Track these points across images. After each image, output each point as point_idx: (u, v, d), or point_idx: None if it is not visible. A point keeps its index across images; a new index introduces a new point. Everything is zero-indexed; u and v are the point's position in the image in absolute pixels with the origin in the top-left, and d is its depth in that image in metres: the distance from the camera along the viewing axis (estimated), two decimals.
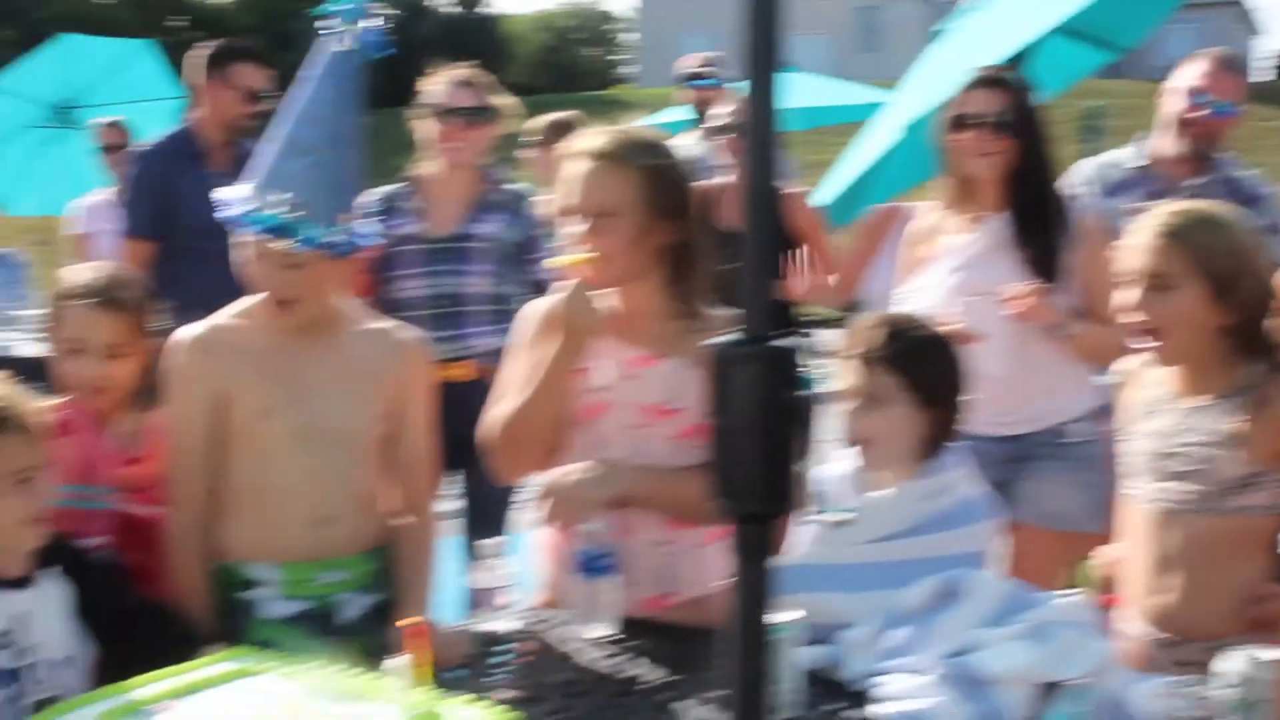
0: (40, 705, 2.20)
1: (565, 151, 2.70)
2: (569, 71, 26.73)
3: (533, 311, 2.84)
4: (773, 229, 1.51)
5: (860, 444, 2.62)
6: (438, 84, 4.35)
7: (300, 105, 2.64)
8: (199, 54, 4.92)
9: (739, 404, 1.47)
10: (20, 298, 8.91)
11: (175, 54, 11.50)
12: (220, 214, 2.64)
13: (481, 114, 4.34)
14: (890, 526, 2.55)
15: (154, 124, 7.17)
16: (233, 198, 2.63)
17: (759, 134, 1.48)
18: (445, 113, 4.30)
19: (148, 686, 2.03)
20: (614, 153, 2.64)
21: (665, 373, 2.70)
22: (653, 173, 2.64)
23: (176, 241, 4.65)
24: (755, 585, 1.53)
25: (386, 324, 2.94)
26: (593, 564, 2.62)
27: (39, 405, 2.35)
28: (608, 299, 2.68)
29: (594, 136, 2.68)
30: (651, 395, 2.70)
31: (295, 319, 2.71)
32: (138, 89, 10.65)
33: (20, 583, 2.29)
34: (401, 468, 2.88)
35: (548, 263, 2.74)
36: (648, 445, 2.70)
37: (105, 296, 2.76)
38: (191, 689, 2.02)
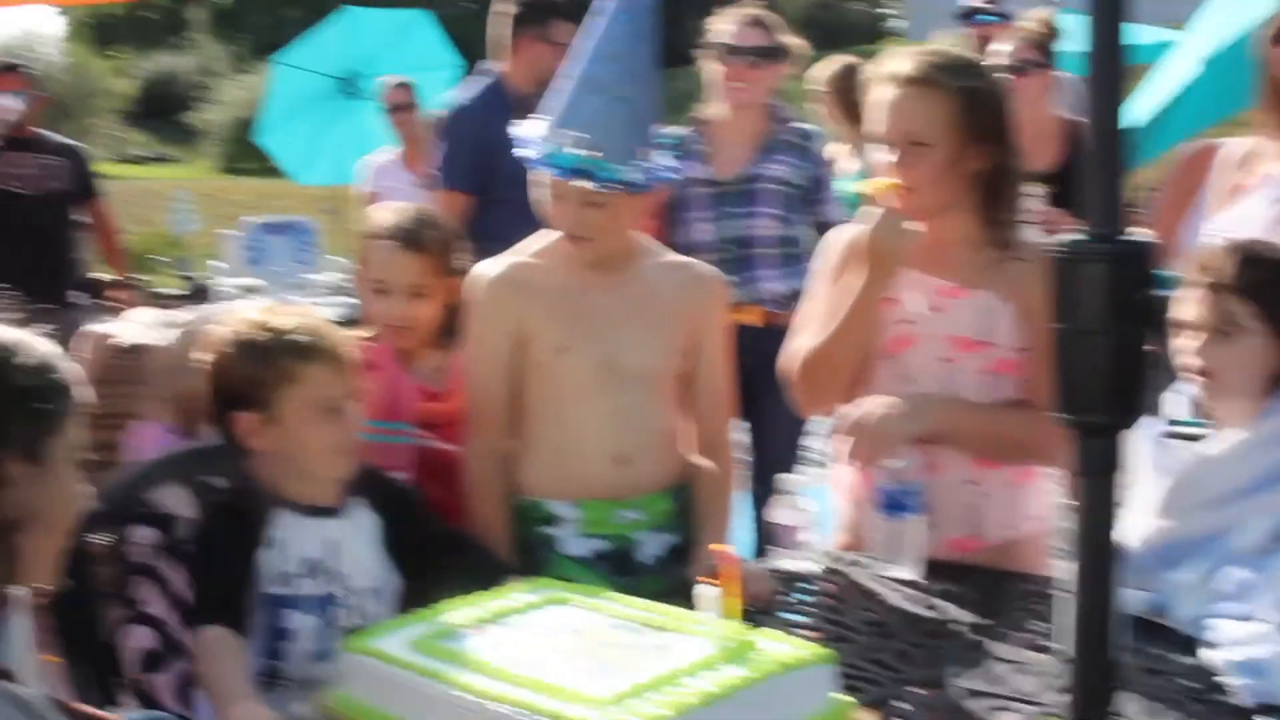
0: (349, 634, 2.24)
1: (873, 75, 2.59)
2: (835, 27, 26.30)
3: (838, 240, 2.75)
4: (1118, 120, 1.40)
5: (1204, 377, 2.44)
6: (725, 23, 4.28)
7: (595, 43, 2.60)
8: (506, 8, 4.94)
9: (1085, 306, 1.36)
10: (311, 263, 9.33)
11: (451, 25, 11.82)
12: (518, 155, 2.63)
13: (769, 53, 4.26)
14: (1235, 479, 2.35)
15: (433, 92, 7.34)
16: (530, 138, 2.62)
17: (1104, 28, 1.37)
18: (732, 52, 4.23)
19: (457, 612, 2.03)
20: (924, 77, 2.52)
21: (976, 305, 2.57)
22: (966, 96, 2.50)
23: (492, 194, 4.61)
24: (1099, 505, 1.42)
25: (684, 260, 2.88)
26: (897, 502, 2.52)
27: (347, 337, 2.39)
28: (916, 227, 2.57)
29: (902, 59, 2.56)
30: (961, 328, 2.58)
31: (593, 254, 2.67)
32: (417, 58, 10.95)
33: (331, 511, 2.33)
34: (699, 406, 2.82)
35: (856, 186, 2.64)
36: (956, 380, 2.59)
37: (409, 237, 2.79)
38: (500, 615, 2.02)
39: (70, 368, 1.79)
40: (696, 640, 1.89)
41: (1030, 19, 4.98)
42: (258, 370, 2.28)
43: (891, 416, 2.53)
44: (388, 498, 2.42)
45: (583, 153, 2.53)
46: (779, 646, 1.89)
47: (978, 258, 2.59)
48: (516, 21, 4.86)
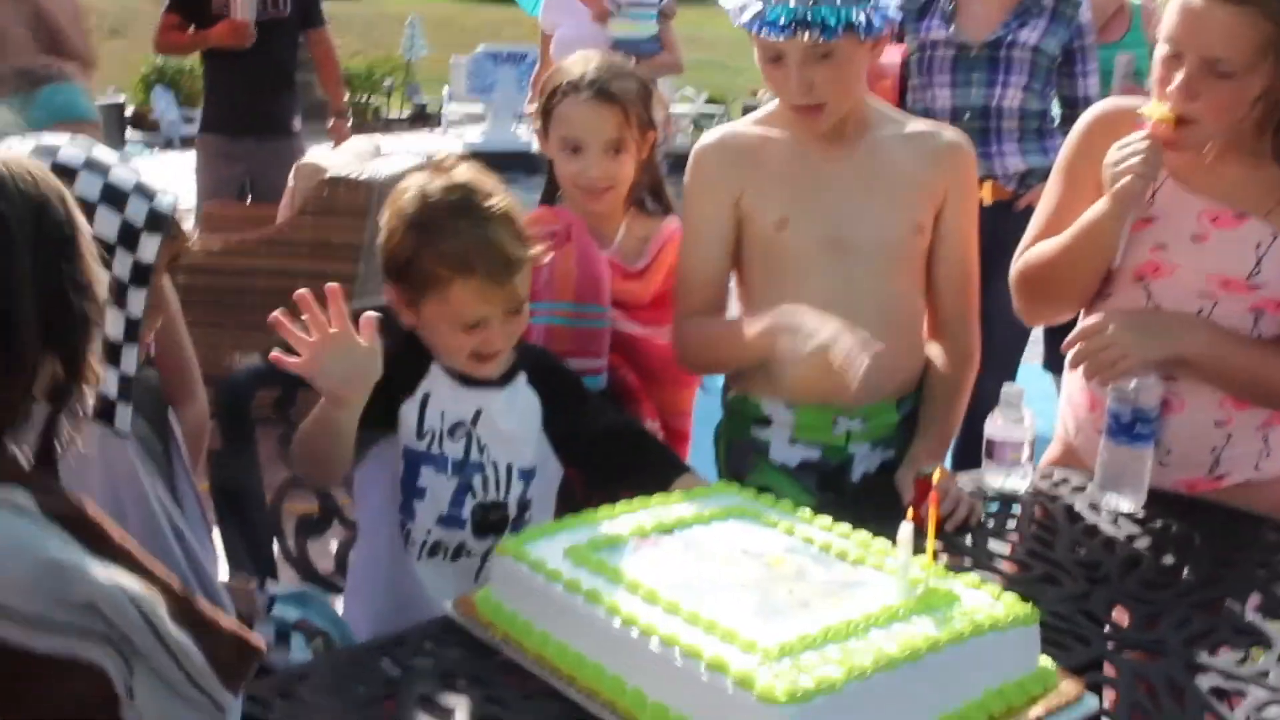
0: (486, 509, 2.13)
1: None
2: None
3: (1088, 122, 2.40)
4: None
5: None
6: None
7: None
8: None
9: None
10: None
11: None
12: (737, 21, 2.34)
13: None
14: None
15: None
16: (739, 2, 2.33)
17: None
18: None
19: (623, 518, 1.86)
20: None
21: (1245, 236, 2.22)
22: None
23: None
24: None
25: (927, 126, 2.55)
26: (1129, 429, 2.25)
27: (529, 237, 2.16)
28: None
29: None
30: (1226, 265, 2.23)
31: (825, 122, 2.37)
32: None
33: (487, 383, 2.16)
34: (938, 284, 2.49)
35: (1141, 110, 2.25)
36: (1214, 317, 2.26)
37: (599, 89, 2.52)
38: (669, 526, 1.84)
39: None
40: (888, 581, 1.68)
41: None
42: (409, 258, 2.09)
43: (1135, 332, 2.22)
44: (554, 383, 2.24)
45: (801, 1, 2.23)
46: (980, 598, 1.66)
47: (1254, 182, 2.23)
48: None
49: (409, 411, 2.12)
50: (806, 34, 2.23)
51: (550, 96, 2.56)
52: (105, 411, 1.71)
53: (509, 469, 2.15)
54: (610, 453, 2.22)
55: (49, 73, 2.17)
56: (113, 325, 1.70)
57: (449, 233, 2.06)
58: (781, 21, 2.23)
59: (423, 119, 14.87)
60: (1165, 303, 2.28)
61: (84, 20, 3.56)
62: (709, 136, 2.50)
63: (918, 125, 2.52)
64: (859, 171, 2.40)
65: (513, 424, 2.16)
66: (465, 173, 2.15)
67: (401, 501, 2.14)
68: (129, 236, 1.71)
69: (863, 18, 2.23)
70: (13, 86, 2.15)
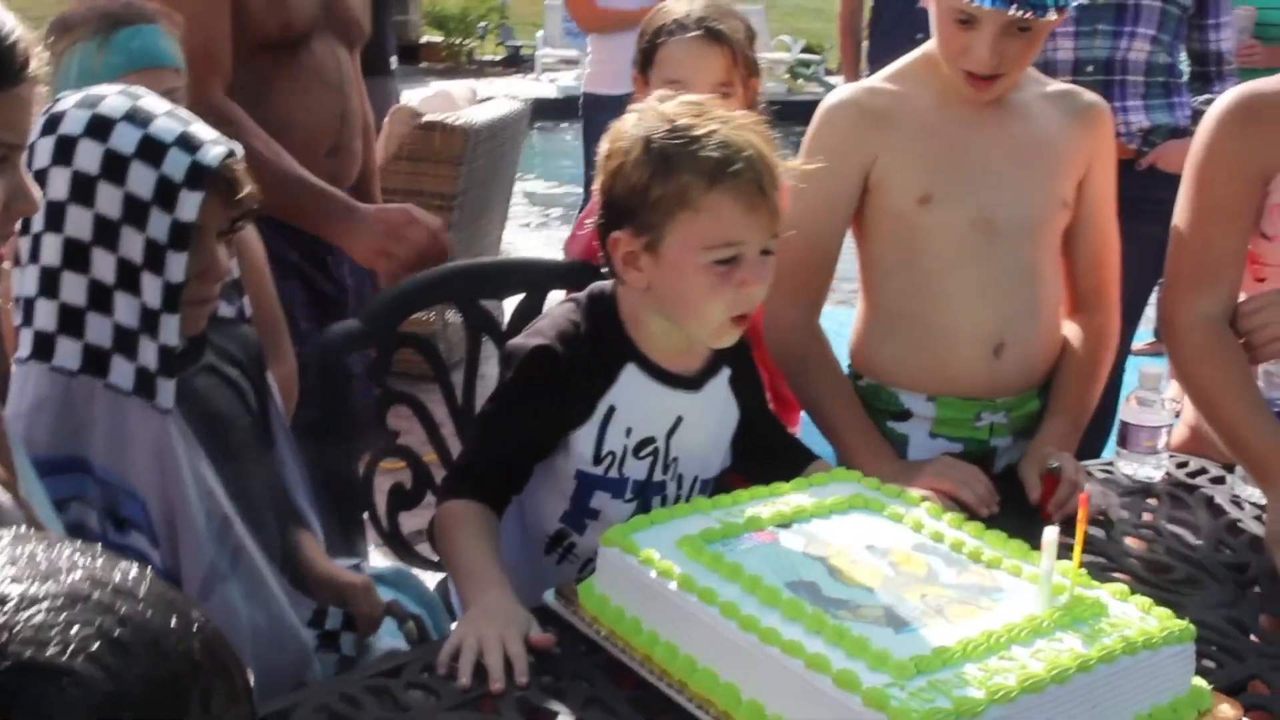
0: None
1: None
2: None
3: (1224, 118, 2.17)
4: None
5: None
6: None
7: None
8: None
9: None
10: None
11: None
12: None
13: None
14: None
15: None
16: None
17: None
18: None
19: (741, 506, 1.73)
20: None
21: None
22: None
23: None
24: None
25: (1064, 86, 2.36)
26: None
27: (784, 161, 1.85)
28: None
29: None
30: None
31: (994, 93, 2.17)
32: None
33: (687, 382, 1.91)
34: (1078, 256, 2.31)
35: None
36: None
37: (707, 28, 2.36)
38: (790, 517, 1.70)
39: None
40: (1028, 588, 1.54)
41: None
42: (649, 180, 1.76)
43: None
44: (752, 384, 2.02)
45: None
46: (1129, 611, 1.52)
47: None
48: None
49: (583, 436, 1.86)
50: (1023, 9, 2.03)
51: (655, 36, 2.41)
52: (145, 385, 1.61)
53: (694, 483, 1.95)
54: (775, 458, 2.00)
55: (130, 13, 2.06)
56: (149, 291, 1.59)
57: (701, 141, 1.75)
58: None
59: (516, 62, 14.74)
60: None
61: None
62: (839, 94, 2.30)
63: (1057, 87, 2.34)
64: (1009, 141, 2.22)
65: (710, 432, 1.95)
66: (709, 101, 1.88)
67: (567, 512, 1.92)
68: (166, 193, 1.58)
69: None
70: (93, 29, 2.04)
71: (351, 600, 1.86)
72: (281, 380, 2.02)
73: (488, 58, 15.11)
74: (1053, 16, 2.06)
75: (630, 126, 1.81)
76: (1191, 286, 2.17)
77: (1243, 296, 2.17)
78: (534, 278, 2.37)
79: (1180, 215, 2.21)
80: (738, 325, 1.82)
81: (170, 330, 1.60)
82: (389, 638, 1.86)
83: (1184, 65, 3.92)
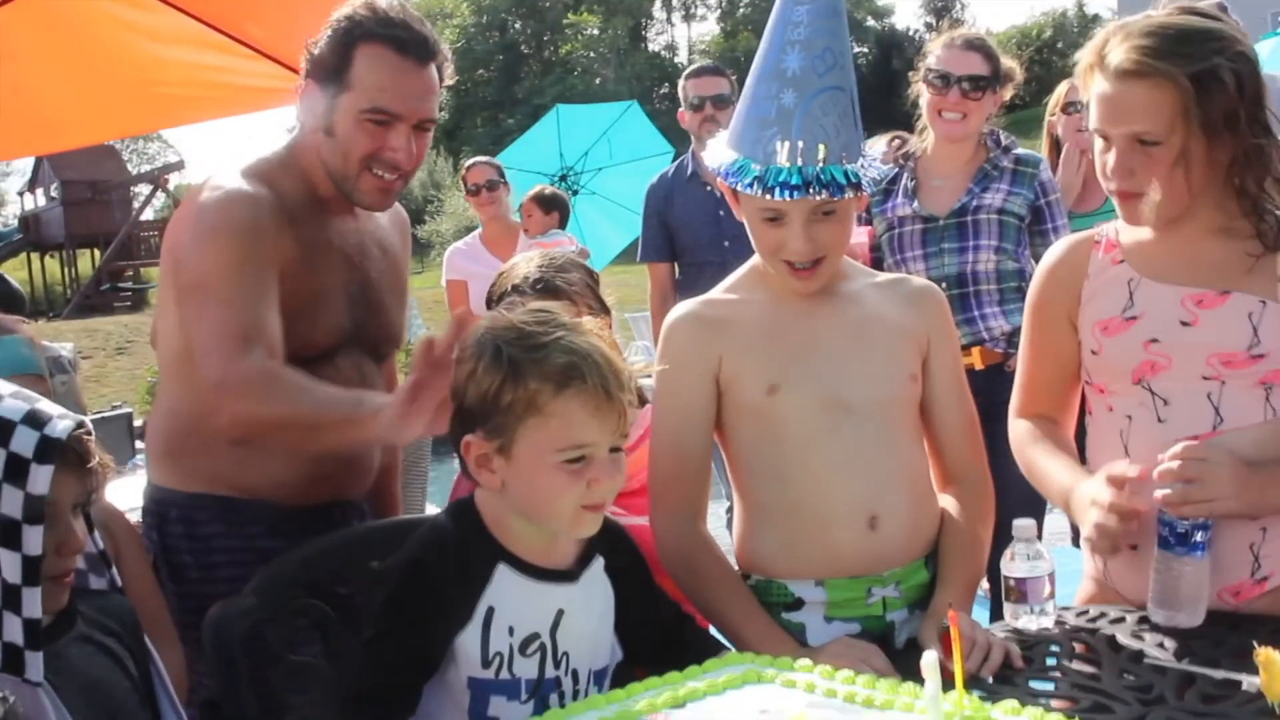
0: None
1: (1090, 60, 2.21)
2: (1048, 83, 25.53)
3: (1052, 259, 2.45)
4: None
5: None
6: (936, 48, 3.97)
7: (802, 33, 2.19)
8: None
9: None
10: None
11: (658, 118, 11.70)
12: (736, 185, 2.23)
13: (984, 81, 3.91)
14: None
15: (644, 180, 7.00)
16: (733, 166, 2.24)
17: None
18: (943, 79, 3.90)
19: (644, 694, 1.75)
20: (1143, 67, 2.12)
21: (1235, 308, 2.18)
22: (1199, 81, 2.10)
23: (683, 259, 5.09)
24: None
25: (895, 275, 2.52)
26: (1185, 539, 2.12)
27: (633, 363, 1.99)
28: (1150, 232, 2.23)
29: (1122, 44, 2.16)
30: (1223, 338, 2.17)
31: (819, 281, 2.30)
32: (628, 149, 10.96)
33: (562, 575, 1.95)
34: (940, 434, 2.40)
35: None
36: (1226, 402, 2.17)
37: (547, 284, 2.56)
38: (689, 697, 1.72)
39: None
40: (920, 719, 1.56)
41: None
42: (499, 387, 1.84)
43: (1238, 485, 2.09)
44: (624, 564, 2.06)
45: (809, 160, 2.16)
46: None
47: (1230, 255, 2.20)
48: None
49: (468, 641, 1.88)
50: (820, 193, 2.17)
51: (498, 302, 2.58)
52: (13, 661, 1.60)
53: (588, 676, 1.97)
54: (671, 641, 2.05)
55: None
56: (8, 567, 1.60)
57: (548, 348, 1.86)
58: (792, 182, 2.16)
59: None
60: (1172, 398, 2.21)
61: None
62: (678, 309, 2.41)
63: (886, 276, 2.49)
64: (848, 325, 2.33)
65: (593, 622, 1.98)
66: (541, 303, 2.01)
67: None
68: (16, 469, 1.61)
69: (864, 173, 2.21)
70: None
71: None
72: (172, 667, 2.01)
73: None
74: (850, 195, 2.20)
75: (480, 334, 1.91)
76: (1029, 403, 2.48)
77: (1110, 416, 2.31)
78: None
79: (1022, 348, 2.51)
80: (593, 513, 1.89)
81: (33, 604, 1.61)
82: None
83: (1033, 270, 4.13)
